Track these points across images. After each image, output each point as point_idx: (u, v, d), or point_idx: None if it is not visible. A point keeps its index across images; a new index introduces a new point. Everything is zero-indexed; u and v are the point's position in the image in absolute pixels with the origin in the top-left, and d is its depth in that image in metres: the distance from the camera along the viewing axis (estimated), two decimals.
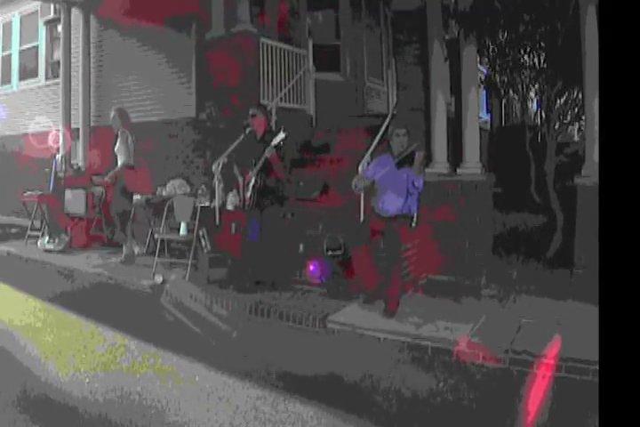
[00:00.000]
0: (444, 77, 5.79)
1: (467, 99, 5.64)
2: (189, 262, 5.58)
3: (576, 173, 5.06)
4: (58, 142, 8.71)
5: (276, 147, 4.78)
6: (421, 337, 3.84)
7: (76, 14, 8.54)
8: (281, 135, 4.79)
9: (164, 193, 6.84)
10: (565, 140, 6.89)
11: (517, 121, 9.15)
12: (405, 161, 4.36)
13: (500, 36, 5.72)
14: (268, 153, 4.77)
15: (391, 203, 4.42)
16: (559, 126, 5.87)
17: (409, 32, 6.04)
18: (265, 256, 4.98)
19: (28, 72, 9.96)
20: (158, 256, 5.96)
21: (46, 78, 9.58)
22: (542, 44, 5.57)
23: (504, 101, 9.28)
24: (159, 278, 5.42)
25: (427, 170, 5.59)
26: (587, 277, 4.38)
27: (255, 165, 4.85)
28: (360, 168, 5.03)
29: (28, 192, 8.01)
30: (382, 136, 5.47)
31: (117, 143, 6.32)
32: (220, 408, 2.92)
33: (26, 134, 9.45)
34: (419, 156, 4.28)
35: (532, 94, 6.30)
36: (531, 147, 6.03)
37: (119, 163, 6.28)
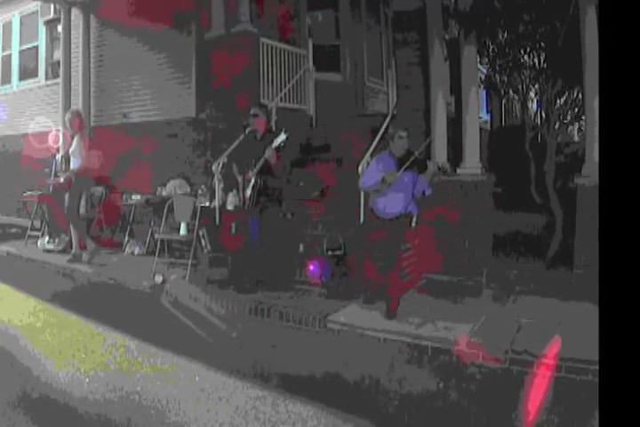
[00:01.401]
0: (444, 77, 5.79)
1: (467, 99, 5.63)
2: (189, 262, 5.58)
3: (576, 173, 5.06)
4: (58, 142, 8.70)
5: (276, 148, 4.78)
6: (421, 337, 3.85)
7: (76, 14, 8.53)
8: (282, 137, 4.79)
9: (164, 193, 6.85)
10: (565, 141, 6.88)
11: (517, 121, 9.14)
12: (411, 165, 4.32)
13: (500, 36, 5.72)
14: (268, 154, 4.77)
15: (393, 206, 4.40)
16: (559, 126, 5.87)
17: (409, 32, 6.04)
18: (265, 256, 4.98)
19: (28, 72, 9.94)
20: (158, 256, 5.97)
21: (46, 78, 9.56)
22: (542, 44, 5.56)
23: (504, 101, 9.27)
24: (159, 278, 5.42)
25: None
26: (587, 277, 4.38)
27: (255, 165, 4.86)
28: (360, 168, 5.03)
29: (28, 192, 8.00)
30: (382, 136, 5.47)
31: (73, 145, 6.34)
32: (220, 408, 2.92)
33: (26, 134, 9.45)
34: (433, 166, 4.28)
35: (532, 94, 6.29)
36: (531, 147, 6.02)
37: (72, 165, 6.37)
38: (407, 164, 4.31)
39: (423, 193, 4.38)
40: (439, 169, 4.29)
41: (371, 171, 4.54)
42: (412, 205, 4.42)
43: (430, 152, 5.75)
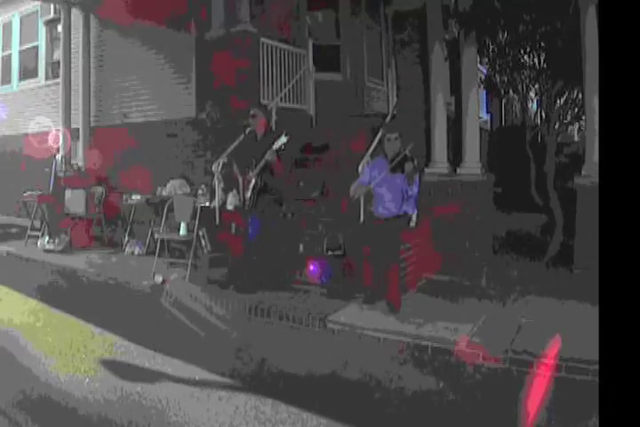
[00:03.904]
0: (444, 77, 5.80)
1: (467, 99, 5.64)
2: (189, 262, 5.58)
3: (576, 173, 5.07)
4: (58, 142, 8.71)
5: (277, 150, 4.78)
6: (421, 337, 3.84)
7: (76, 14, 8.53)
8: (283, 139, 4.79)
9: (164, 193, 6.84)
10: (565, 141, 6.89)
11: (517, 121, 9.15)
12: (398, 166, 4.37)
13: (500, 36, 5.73)
14: (268, 156, 4.76)
15: (386, 206, 4.44)
16: (559, 126, 5.87)
17: (409, 32, 6.04)
18: (265, 256, 4.98)
19: (28, 72, 9.94)
20: (158, 256, 5.96)
21: (46, 78, 9.56)
22: (542, 44, 5.57)
23: (504, 101, 9.29)
24: (159, 278, 5.42)
25: (427, 170, 5.62)
26: (587, 277, 4.38)
27: (255, 165, 4.86)
28: (360, 168, 5.04)
29: (28, 192, 8.01)
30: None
31: None
32: (220, 408, 2.92)
33: (26, 134, 9.45)
34: (408, 166, 4.28)
35: (532, 94, 6.30)
36: (531, 147, 6.03)
37: None
38: (392, 165, 4.38)
39: (407, 193, 4.36)
40: (414, 168, 4.31)
41: (361, 178, 4.66)
42: (406, 205, 4.42)
43: (430, 152, 5.76)
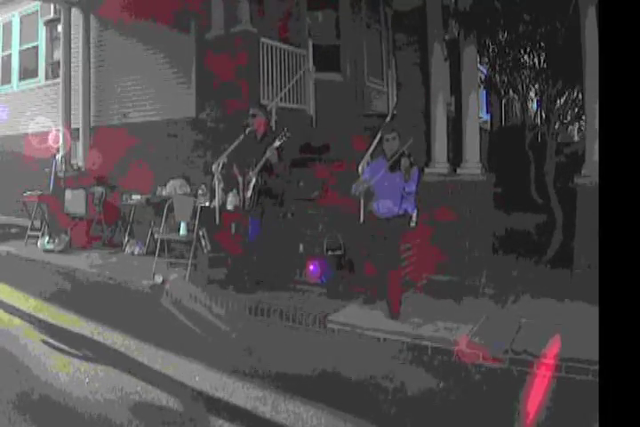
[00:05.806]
0: (444, 77, 5.79)
1: (467, 99, 5.64)
2: (189, 262, 5.58)
3: (576, 173, 5.06)
4: (58, 142, 8.71)
5: (277, 148, 4.78)
6: (421, 337, 3.85)
7: (76, 14, 8.54)
8: (283, 137, 4.79)
9: (163, 193, 6.85)
10: (565, 141, 6.88)
11: (517, 121, 9.13)
12: (397, 165, 4.37)
13: (500, 36, 5.72)
14: (269, 153, 4.77)
15: (386, 205, 4.44)
16: (559, 126, 5.87)
17: (409, 32, 6.04)
18: (265, 256, 4.98)
19: (28, 72, 9.95)
20: (158, 256, 5.97)
21: (46, 78, 9.57)
22: (542, 44, 5.56)
23: (504, 101, 9.27)
24: (159, 278, 5.42)
25: (427, 170, 5.62)
26: (587, 277, 4.38)
27: (255, 165, 4.86)
28: (360, 169, 5.04)
29: (28, 192, 8.01)
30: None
31: None
32: (219, 408, 2.92)
33: (26, 134, 9.45)
34: (404, 162, 4.27)
35: (532, 94, 6.29)
36: (531, 147, 6.03)
37: None
38: (390, 163, 4.39)
39: (404, 189, 4.35)
40: (410, 164, 4.31)
41: (363, 177, 4.67)
42: (406, 204, 4.43)
43: (430, 152, 5.76)
